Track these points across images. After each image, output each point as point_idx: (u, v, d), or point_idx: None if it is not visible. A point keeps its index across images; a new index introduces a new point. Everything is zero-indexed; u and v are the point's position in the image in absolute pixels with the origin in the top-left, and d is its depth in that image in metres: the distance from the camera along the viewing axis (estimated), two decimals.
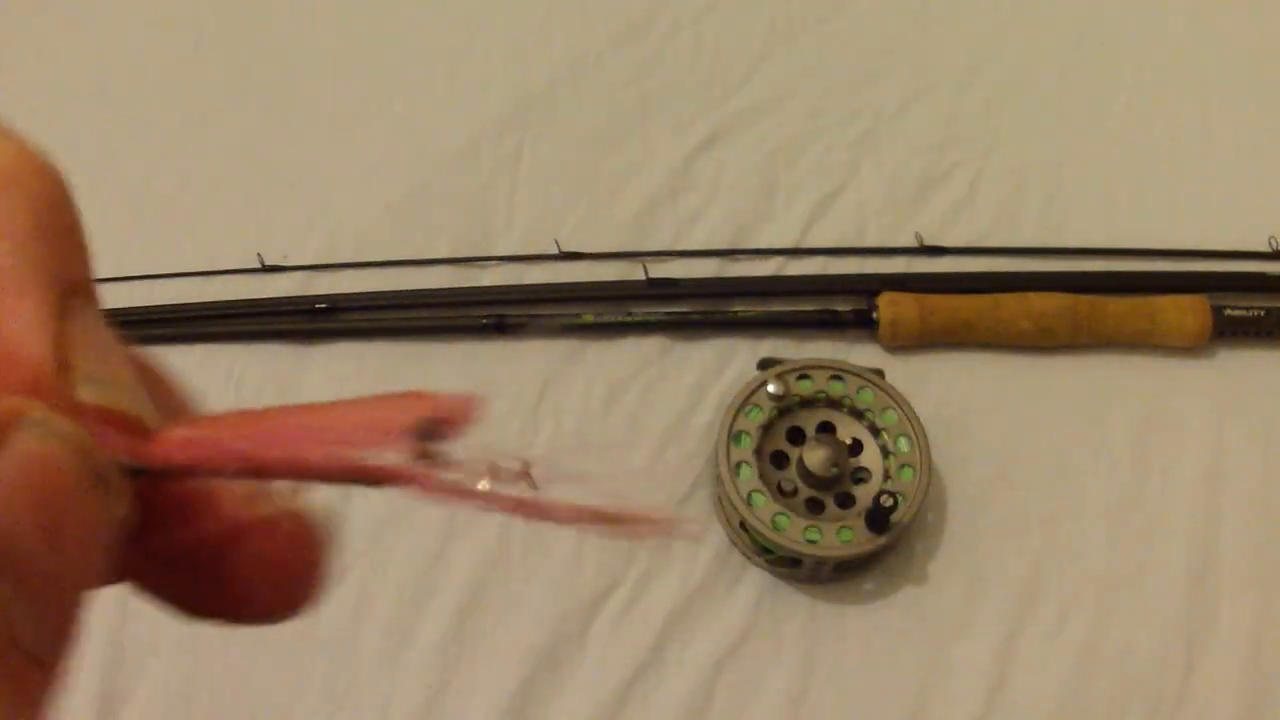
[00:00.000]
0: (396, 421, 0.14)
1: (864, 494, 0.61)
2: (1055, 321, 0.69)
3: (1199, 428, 0.68)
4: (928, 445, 0.61)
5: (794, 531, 0.59)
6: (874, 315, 0.70)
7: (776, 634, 0.61)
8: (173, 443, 0.15)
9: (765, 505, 0.60)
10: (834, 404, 0.64)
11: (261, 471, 0.15)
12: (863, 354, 0.70)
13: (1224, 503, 0.66)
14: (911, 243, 0.75)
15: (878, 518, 0.58)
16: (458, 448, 0.14)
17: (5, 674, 0.13)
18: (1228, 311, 0.70)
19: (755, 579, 0.63)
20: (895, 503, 0.58)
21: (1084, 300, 0.70)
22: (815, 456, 0.61)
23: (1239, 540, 0.65)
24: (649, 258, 0.73)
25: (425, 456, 0.14)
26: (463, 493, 0.14)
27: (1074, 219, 0.77)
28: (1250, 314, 0.70)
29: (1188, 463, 0.67)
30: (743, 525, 0.61)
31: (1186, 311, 0.70)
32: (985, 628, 0.62)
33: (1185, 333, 0.70)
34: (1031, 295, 0.70)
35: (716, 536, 0.64)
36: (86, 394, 0.14)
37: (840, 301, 0.72)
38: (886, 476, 0.61)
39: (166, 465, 0.15)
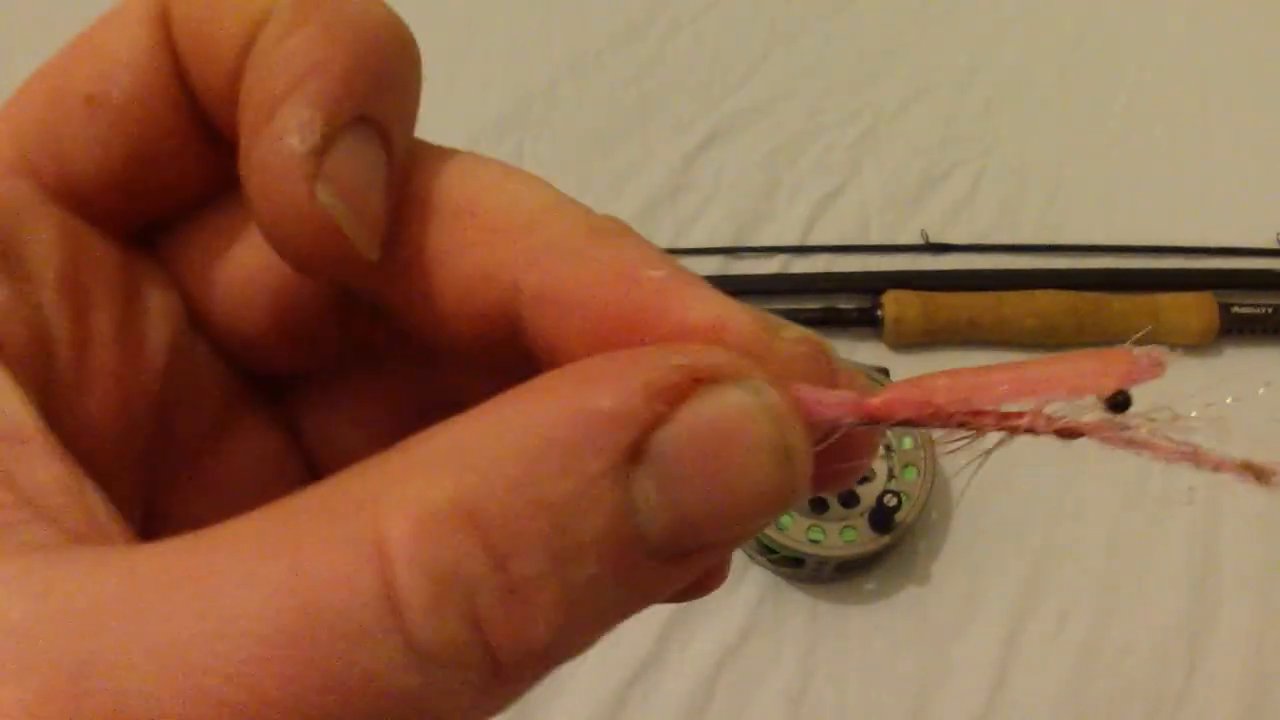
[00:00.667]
0: (1095, 379, 0.15)
1: (868, 493, 0.61)
2: (1060, 319, 0.69)
3: (1203, 427, 0.68)
4: (932, 444, 0.61)
5: (797, 531, 0.59)
6: (878, 313, 0.69)
7: (777, 634, 0.61)
8: (891, 396, 0.15)
9: None
10: None
11: (972, 424, 0.15)
12: (867, 352, 0.70)
13: (1224, 503, 0.66)
14: (916, 240, 0.74)
15: (881, 517, 0.58)
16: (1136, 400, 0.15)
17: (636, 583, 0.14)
18: (1235, 309, 0.70)
19: (757, 578, 0.63)
20: (899, 502, 0.58)
21: (1088, 298, 0.70)
22: None
23: (1239, 540, 0.65)
24: None
25: (1114, 409, 0.15)
26: (1148, 446, 0.15)
27: (1077, 217, 0.77)
28: (1259, 311, 0.70)
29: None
30: None
31: (1191, 309, 0.70)
32: (986, 627, 0.62)
33: (1190, 331, 0.69)
34: (1036, 293, 0.70)
35: None
36: (790, 350, 0.15)
37: (844, 300, 0.71)
38: (890, 475, 0.61)
39: (887, 418, 0.15)
